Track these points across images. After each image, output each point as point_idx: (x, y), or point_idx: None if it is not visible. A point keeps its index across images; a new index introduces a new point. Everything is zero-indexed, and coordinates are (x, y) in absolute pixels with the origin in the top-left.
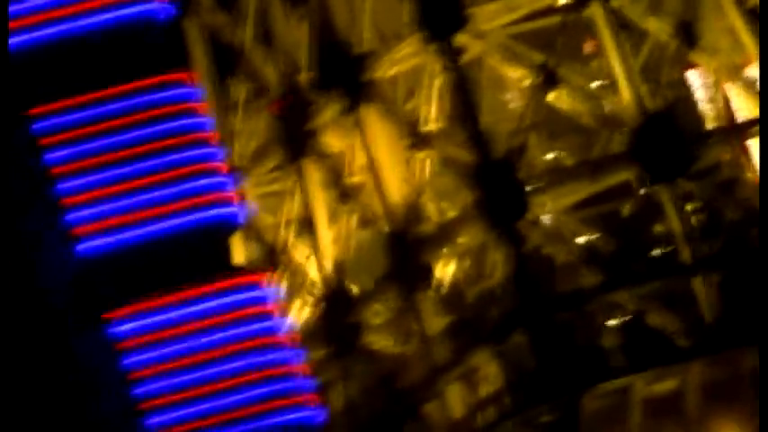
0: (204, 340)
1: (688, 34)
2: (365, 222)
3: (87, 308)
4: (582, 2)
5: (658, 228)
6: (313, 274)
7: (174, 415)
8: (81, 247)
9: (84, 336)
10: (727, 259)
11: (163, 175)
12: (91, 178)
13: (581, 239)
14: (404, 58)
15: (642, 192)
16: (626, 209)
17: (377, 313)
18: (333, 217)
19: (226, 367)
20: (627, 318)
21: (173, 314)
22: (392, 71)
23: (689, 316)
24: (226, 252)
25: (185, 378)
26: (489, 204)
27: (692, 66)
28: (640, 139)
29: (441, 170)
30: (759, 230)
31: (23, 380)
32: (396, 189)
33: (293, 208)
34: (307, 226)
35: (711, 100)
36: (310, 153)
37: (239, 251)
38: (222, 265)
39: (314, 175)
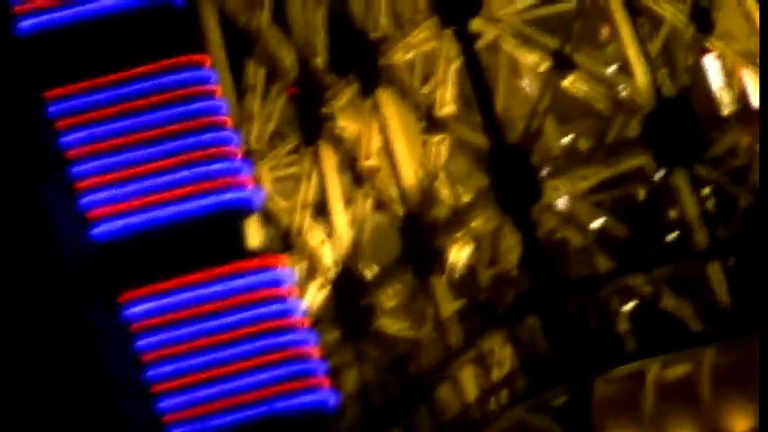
0: (217, 323)
1: (704, 20)
2: (380, 206)
3: (102, 290)
4: None
5: (672, 213)
6: (327, 257)
7: (186, 397)
8: (96, 229)
9: (98, 317)
10: (741, 244)
11: (178, 158)
12: (106, 161)
13: (595, 224)
14: (419, 43)
15: (657, 176)
16: (641, 194)
17: (390, 297)
18: (348, 200)
19: (239, 350)
20: (640, 302)
21: (186, 296)
22: (408, 56)
23: (702, 301)
24: (240, 236)
25: (199, 360)
26: (503, 189)
27: (707, 51)
28: (655, 124)
29: (455, 154)
30: (759, 231)
31: (37, 361)
32: (411, 173)
33: (309, 192)
34: (322, 210)
35: (727, 86)
36: (326, 137)
37: (254, 235)
38: (236, 249)
39: (329, 158)
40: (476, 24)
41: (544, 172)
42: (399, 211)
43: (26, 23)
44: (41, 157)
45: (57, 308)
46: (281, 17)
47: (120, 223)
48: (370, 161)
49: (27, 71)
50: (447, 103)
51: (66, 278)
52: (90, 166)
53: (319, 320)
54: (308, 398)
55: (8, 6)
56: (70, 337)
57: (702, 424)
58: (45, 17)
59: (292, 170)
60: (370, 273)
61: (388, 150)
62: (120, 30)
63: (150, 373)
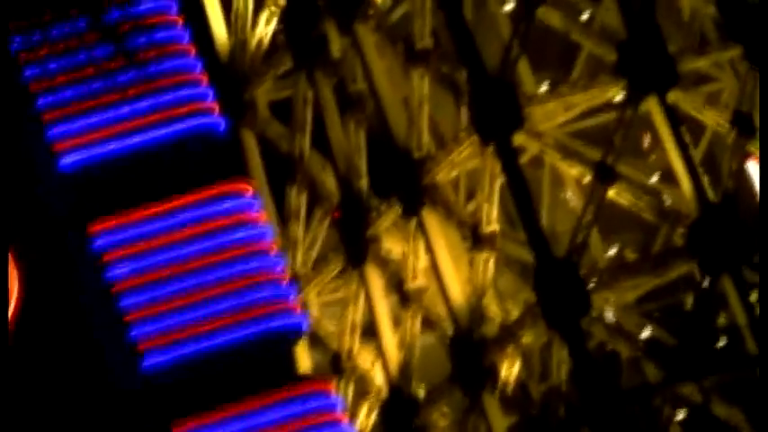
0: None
1: (746, 124)
2: (428, 325)
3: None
4: (638, 97)
5: (722, 320)
6: (378, 379)
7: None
8: (147, 362)
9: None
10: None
11: (225, 287)
12: (155, 293)
13: (644, 334)
14: (463, 161)
15: (705, 284)
16: (688, 302)
17: (443, 416)
18: (396, 321)
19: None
20: (691, 411)
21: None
22: (452, 174)
23: (754, 407)
24: (290, 361)
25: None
26: (550, 303)
27: (751, 155)
28: (701, 230)
29: (502, 270)
30: (759, 231)
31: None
32: (458, 291)
33: (356, 314)
34: (370, 332)
35: None
36: (372, 259)
37: (304, 360)
38: (288, 374)
39: (376, 280)
40: (518, 139)
41: (591, 284)
42: (448, 329)
43: (67, 160)
44: (90, 290)
45: None
46: (322, 140)
47: (170, 354)
48: (417, 281)
49: (71, 206)
50: (492, 220)
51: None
52: (139, 298)
53: None
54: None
55: (50, 144)
56: None
57: None
58: (87, 152)
59: (339, 294)
60: (422, 393)
61: (434, 269)
62: (163, 159)
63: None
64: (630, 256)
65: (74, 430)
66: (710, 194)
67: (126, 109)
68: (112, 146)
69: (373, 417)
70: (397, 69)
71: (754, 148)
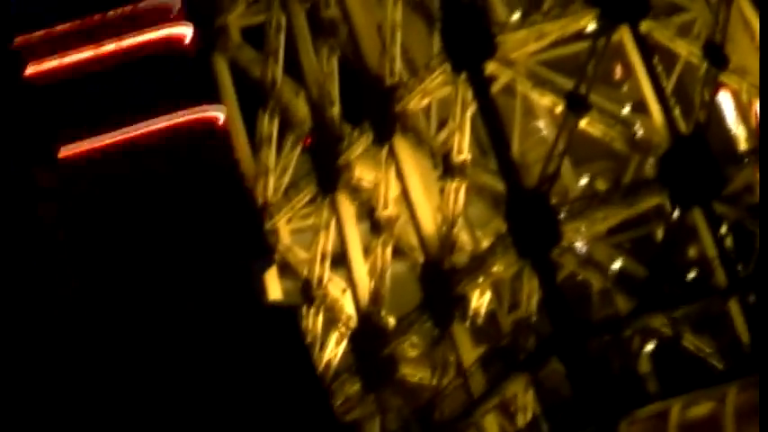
0: None
1: (718, 55)
2: (399, 254)
3: None
4: (610, 26)
5: (692, 252)
6: (349, 307)
7: None
8: None
9: None
10: (760, 281)
11: None
12: None
13: (615, 265)
14: (435, 89)
15: (675, 215)
16: (659, 234)
17: (412, 345)
18: (367, 250)
19: None
20: (661, 342)
21: None
22: (423, 102)
23: (723, 339)
24: None
25: None
26: (521, 234)
27: (723, 87)
28: (672, 162)
29: (474, 199)
30: (759, 231)
31: None
32: (429, 220)
33: (327, 242)
34: (341, 260)
35: (742, 121)
36: (343, 186)
37: (275, 286)
38: None
39: (347, 208)
40: (490, 68)
41: (562, 214)
42: (419, 258)
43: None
44: None
45: None
46: (294, 68)
47: None
48: (388, 209)
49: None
50: (463, 149)
51: None
52: None
53: (340, 372)
54: None
55: None
56: None
57: None
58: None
59: (310, 221)
60: (392, 321)
61: (405, 198)
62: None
63: None
64: (602, 186)
65: None
66: (682, 126)
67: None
68: None
69: (343, 345)
70: None
71: (727, 79)
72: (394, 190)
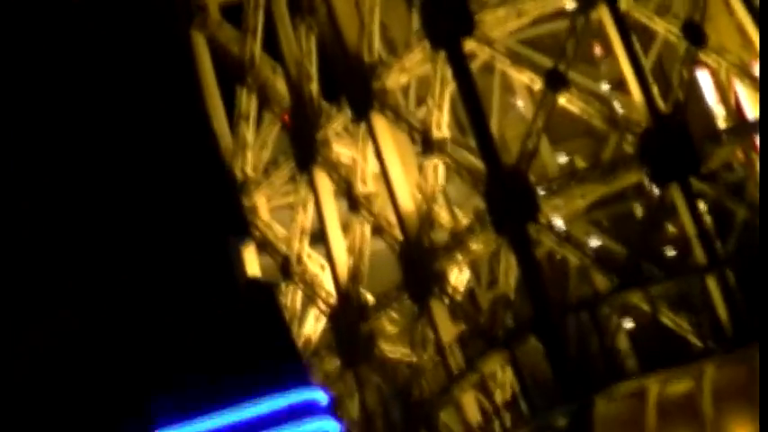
0: None
1: (696, 33)
2: (378, 231)
3: None
4: (589, 4)
5: (671, 229)
6: (328, 284)
7: None
8: None
9: None
10: (739, 259)
11: None
12: None
13: (593, 243)
14: (413, 66)
15: (654, 193)
16: (638, 211)
17: (391, 322)
18: (345, 227)
19: None
20: (639, 320)
21: None
22: (402, 79)
23: (701, 316)
24: None
25: None
26: (499, 211)
27: (701, 65)
28: (651, 140)
29: (452, 177)
30: (759, 231)
31: None
32: (408, 197)
33: (305, 219)
34: (320, 236)
35: (721, 99)
36: (321, 163)
37: (253, 263)
38: None
39: (325, 185)
40: (469, 45)
41: (541, 192)
42: (398, 235)
43: None
44: None
45: None
46: (272, 44)
47: None
48: (367, 187)
49: None
50: (443, 126)
51: None
52: None
53: (319, 349)
54: None
55: None
56: None
57: None
58: None
59: (289, 198)
60: (371, 298)
61: (384, 175)
62: None
63: None
64: (581, 164)
65: None
66: (661, 104)
67: None
68: None
69: (322, 322)
70: None
71: (705, 57)
72: (372, 167)
